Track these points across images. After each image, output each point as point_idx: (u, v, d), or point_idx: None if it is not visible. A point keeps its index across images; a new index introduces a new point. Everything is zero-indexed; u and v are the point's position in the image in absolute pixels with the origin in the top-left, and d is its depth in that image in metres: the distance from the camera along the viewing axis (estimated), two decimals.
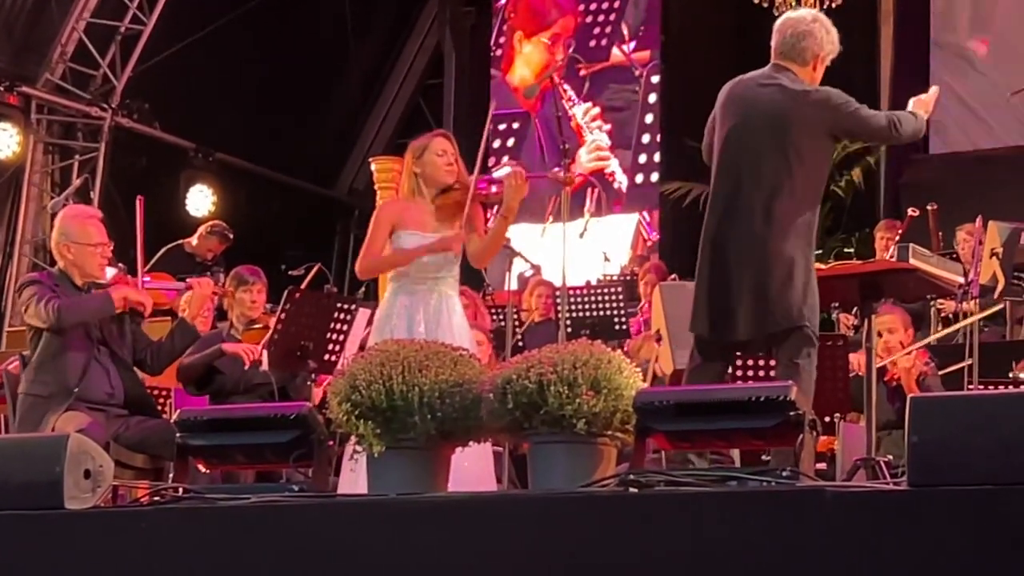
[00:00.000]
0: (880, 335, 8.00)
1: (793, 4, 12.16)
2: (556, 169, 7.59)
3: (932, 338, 9.40)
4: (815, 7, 11.89)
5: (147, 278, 7.43)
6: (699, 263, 6.36)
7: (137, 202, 7.53)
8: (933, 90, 6.65)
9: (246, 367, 7.95)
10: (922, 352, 8.33)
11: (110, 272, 7.32)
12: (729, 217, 6.26)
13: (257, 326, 8.24)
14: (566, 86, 16.25)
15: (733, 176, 6.30)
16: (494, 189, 6.85)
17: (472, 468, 5.95)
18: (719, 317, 6.22)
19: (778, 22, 6.49)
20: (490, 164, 11.21)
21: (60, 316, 6.83)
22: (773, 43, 6.45)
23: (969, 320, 8.67)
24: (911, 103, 6.56)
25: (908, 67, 14.91)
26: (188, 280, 7.49)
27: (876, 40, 15.29)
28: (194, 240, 12.34)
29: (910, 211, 11.44)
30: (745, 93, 6.41)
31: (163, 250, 12.17)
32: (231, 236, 12.48)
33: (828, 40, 6.43)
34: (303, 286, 10.01)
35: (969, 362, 8.42)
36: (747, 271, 6.15)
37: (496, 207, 6.83)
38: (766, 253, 6.13)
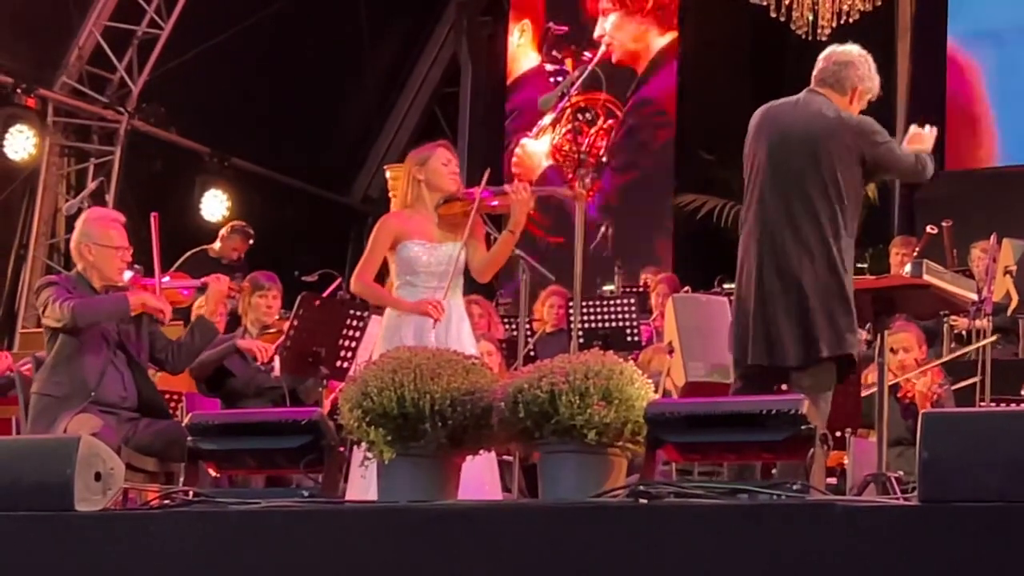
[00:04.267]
0: (895, 352, 7.99)
1: (809, 20, 12.15)
2: (564, 185, 7.58)
3: (946, 358, 9.37)
4: (832, 22, 11.89)
5: (166, 277, 7.44)
6: (742, 289, 6.31)
7: (152, 218, 7.51)
8: (932, 131, 6.59)
9: (259, 363, 7.96)
10: (937, 373, 8.29)
11: (127, 275, 7.32)
12: (764, 246, 6.23)
13: (271, 331, 8.25)
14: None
15: (772, 202, 6.27)
16: (496, 203, 6.85)
17: (478, 476, 5.95)
18: (765, 345, 6.19)
19: (825, 52, 6.46)
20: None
21: (75, 315, 6.83)
22: (815, 70, 6.42)
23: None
24: (910, 132, 6.52)
25: (924, 83, 14.91)
26: (204, 278, 7.48)
27: (893, 55, 15.28)
28: (217, 244, 12.37)
29: (928, 228, 11.44)
30: (780, 116, 6.37)
31: (186, 255, 12.21)
32: (251, 233, 12.50)
33: (870, 77, 6.41)
34: (325, 294, 10.02)
35: (977, 379, 8.41)
36: (779, 299, 6.13)
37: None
38: (810, 280, 6.11)
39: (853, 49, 6.47)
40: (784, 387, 6.20)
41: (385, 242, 6.75)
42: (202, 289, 7.41)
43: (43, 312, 6.99)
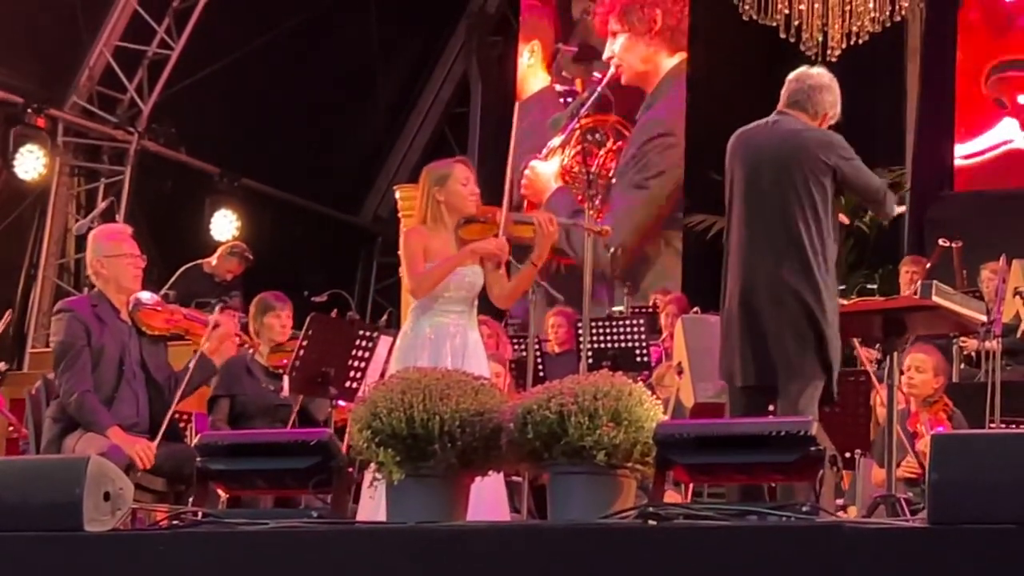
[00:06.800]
0: (909, 371, 7.90)
1: (819, 41, 12.13)
2: (584, 220, 7.58)
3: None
4: (842, 43, 11.87)
5: (187, 311, 7.49)
6: (723, 313, 6.37)
7: None
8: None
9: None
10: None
11: (151, 296, 7.31)
12: (746, 265, 6.28)
13: (284, 350, 8.24)
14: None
15: (750, 223, 6.33)
16: (522, 234, 6.81)
17: (487, 497, 5.94)
18: (743, 365, 6.22)
19: (793, 74, 6.52)
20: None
21: (74, 407, 6.88)
22: (785, 92, 6.49)
23: None
24: None
25: (934, 104, 14.90)
26: (214, 316, 7.50)
27: (903, 77, 15.28)
28: (213, 260, 12.38)
29: (940, 242, 11.43)
30: (753, 139, 6.46)
31: (182, 269, 12.21)
32: (250, 258, 12.51)
33: (838, 102, 6.51)
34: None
35: None
36: (765, 316, 6.16)
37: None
38: (784, 298, 6.15)
39: (824, 74, 6.56)
40: (772, 408, 6.23)
41: (420, 251, 6.63)
42: (214, 327, 7.41)
43: (53, 351, 7.03)
